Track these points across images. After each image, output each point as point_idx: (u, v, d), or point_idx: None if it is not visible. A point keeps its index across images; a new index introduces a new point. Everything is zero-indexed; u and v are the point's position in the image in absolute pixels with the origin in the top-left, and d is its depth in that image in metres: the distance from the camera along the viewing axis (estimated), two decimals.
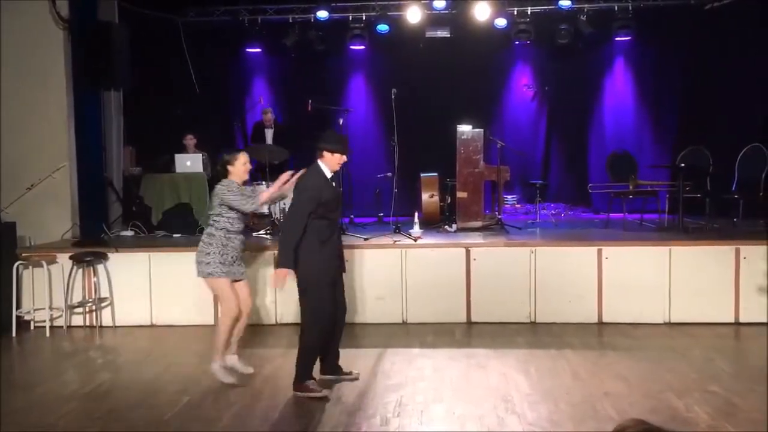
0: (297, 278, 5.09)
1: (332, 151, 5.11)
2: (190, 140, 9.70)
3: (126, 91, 9.42)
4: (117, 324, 7.44)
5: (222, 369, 5.49)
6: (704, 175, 8.68)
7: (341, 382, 5.40)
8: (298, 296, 5.22)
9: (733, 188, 8.51)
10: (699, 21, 10.19)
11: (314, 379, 5.22)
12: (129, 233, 8.78)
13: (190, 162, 9.08)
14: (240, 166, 5.52)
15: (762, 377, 5.28)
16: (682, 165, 8.47)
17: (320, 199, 5.00)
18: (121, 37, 8.64)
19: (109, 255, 7.50)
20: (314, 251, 5.03)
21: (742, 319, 6.97)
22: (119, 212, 9.28)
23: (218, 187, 5.47)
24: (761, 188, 8.15)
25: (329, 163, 5.13)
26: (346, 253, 7.22)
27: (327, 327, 5.18)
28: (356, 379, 5.47)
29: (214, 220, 5.47)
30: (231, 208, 5.42)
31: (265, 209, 8.80)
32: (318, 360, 5.34)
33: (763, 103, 9.44)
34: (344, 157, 5.20)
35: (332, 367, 5.47)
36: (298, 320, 7.17)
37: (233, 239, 5.48)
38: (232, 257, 5.47)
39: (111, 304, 7.46)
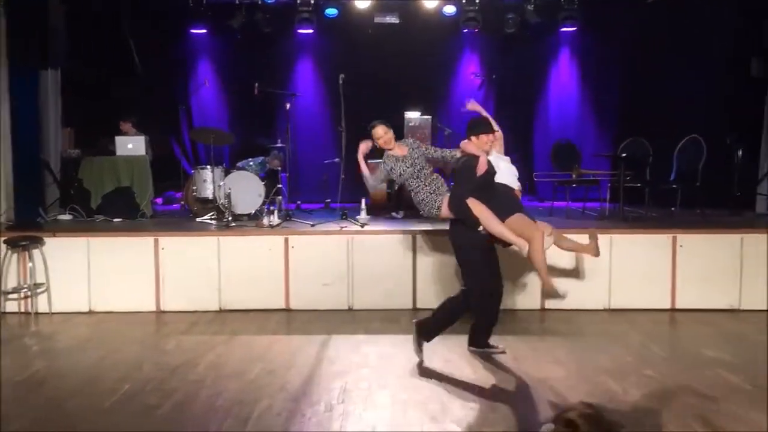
0: (459, 249, 5.53)
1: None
2: (125, 126, 9.34)
3: (65, 71, 9.10)
4: (53, 310, 7.22)
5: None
6: (644, 165, 8.88)
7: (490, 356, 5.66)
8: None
9: (672, 178, 8.73)
10: (642, 14, 10.39)
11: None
12: (67, 217, 8.54)
13: (131, 144, 8.83)
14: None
15: (693, 362, 5.47)
16: (623, 155, 8.64)
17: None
18: (59, 15, 8.36)
19: (46, 239, 7.26)
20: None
21: (678, 306, 7.19)
22: (56, 195, 8.99)
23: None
24: (698, 178, 8.38)
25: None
26: (291, 239, 7.27)
27: (488, 290, 5.50)
28: (503, 352, 5.68)
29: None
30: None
31: (209, 194, 8.64)
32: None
33: (704, 95, 9.69)
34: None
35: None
36: (256, 307, 7.18)
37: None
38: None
39: (47, 290, 7.23)
